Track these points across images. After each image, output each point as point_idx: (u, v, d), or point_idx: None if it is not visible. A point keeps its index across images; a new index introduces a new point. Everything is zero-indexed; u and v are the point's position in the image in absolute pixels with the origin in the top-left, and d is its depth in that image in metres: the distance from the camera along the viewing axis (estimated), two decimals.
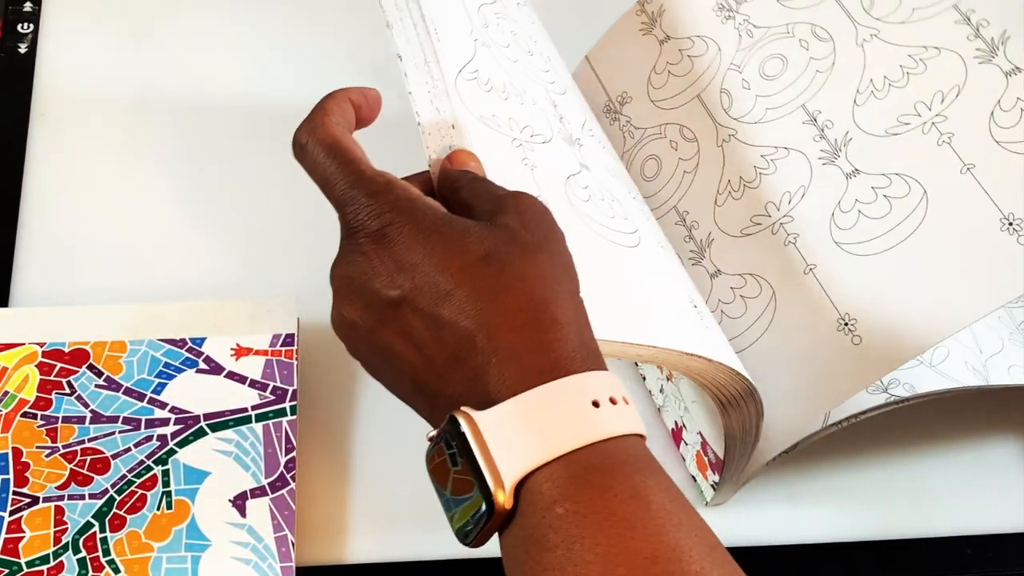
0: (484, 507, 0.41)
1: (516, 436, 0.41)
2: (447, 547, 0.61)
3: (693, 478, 0.64)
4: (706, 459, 0.61)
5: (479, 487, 0.41)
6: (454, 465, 0.42)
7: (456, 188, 0.48)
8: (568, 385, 0.42)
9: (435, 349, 0.43)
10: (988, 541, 0.65)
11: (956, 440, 0.68)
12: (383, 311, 0.44)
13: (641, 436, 0.43)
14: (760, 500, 0.64)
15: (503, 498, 0.41)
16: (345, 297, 0.46)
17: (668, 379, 0.64)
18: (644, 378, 0.67)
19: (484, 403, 0.42)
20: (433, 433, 0.44)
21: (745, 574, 0.41)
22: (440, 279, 0.43)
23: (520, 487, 0.41)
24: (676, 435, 0.64)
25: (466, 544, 0.43)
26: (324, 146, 0.47)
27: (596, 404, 0.41)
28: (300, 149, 0.47)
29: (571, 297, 0.45)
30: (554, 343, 0.43)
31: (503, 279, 0.43)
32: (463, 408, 0.42)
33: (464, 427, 0.41)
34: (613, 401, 0.42)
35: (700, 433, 0.61)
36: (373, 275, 0.44)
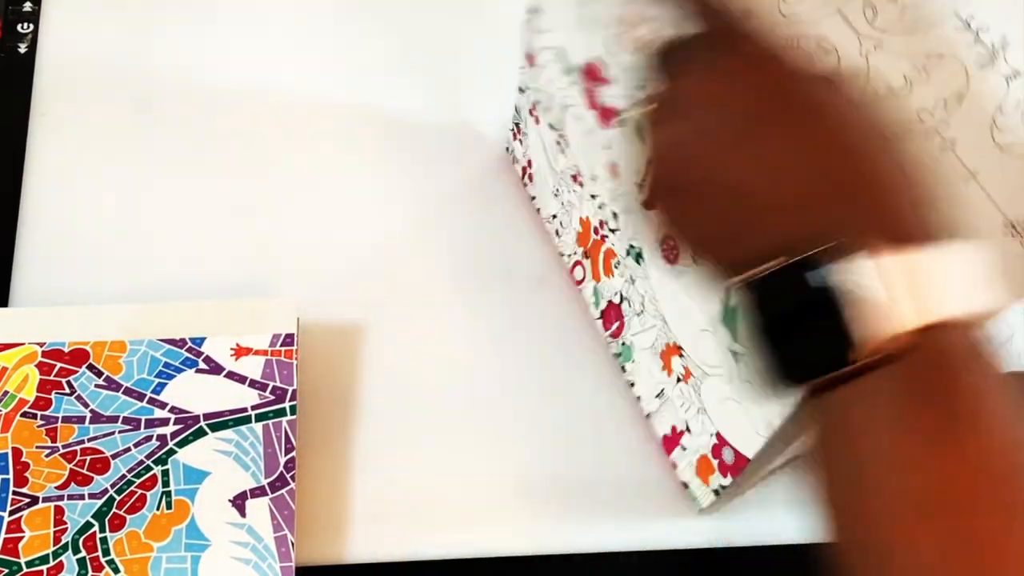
0: (854, 351, 0.37)
1: (930, 284, 0.37)
2: (447, 547, 0.61)
3: (685, 485, 0.64)
4: (715, 462, 0.61)
5: (851, 329, 0.37)
6: (818, 299, 0.38)
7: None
8: (969, 250, 0.39)
9: (799, 177, 0.40)
10: None
11: None
12: (743, 133, 0.41)
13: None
14: (760, 500, 0.64)
15: (900, 342, 0.37)
16: (696, 111, 0.42)
17: (682, 380, 0.63)
18: (632, 384, 0.67)
19: (874, 245, 0.38)
20: (769, 265, 0.39)
21: None
22: (808, 117, 0.41)
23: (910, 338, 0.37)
24: (670, 441, 0.64)
25: (790, 386, 0.39)
26: None
27: (991, 276, 0.39)
28: None
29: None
30: (927, 208, 0.40)
31: (866, 142, 0.41)
32: (866, 240, 0.38)
33: (861, 263, 0.37)
34: (992, 276, 0.39)
35: (717, 434, 0.60)
36: (739, 94, 0.42)
